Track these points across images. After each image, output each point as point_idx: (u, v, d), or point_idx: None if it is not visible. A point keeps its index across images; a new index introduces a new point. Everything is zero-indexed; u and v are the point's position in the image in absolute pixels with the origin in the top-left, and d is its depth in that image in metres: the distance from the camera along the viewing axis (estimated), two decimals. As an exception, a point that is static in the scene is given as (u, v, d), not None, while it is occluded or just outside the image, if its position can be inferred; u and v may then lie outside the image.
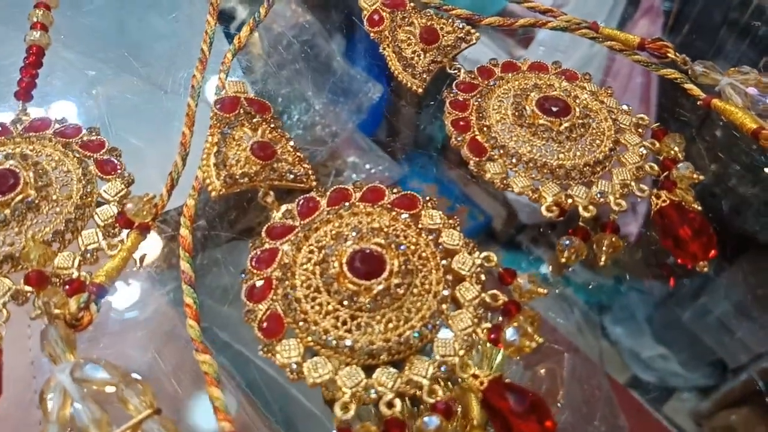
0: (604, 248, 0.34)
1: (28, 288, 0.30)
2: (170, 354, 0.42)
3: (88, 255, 0.32)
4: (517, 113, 0.37)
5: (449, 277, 0.32)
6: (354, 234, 0.32)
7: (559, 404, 0.56)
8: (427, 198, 0.35)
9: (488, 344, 0.31)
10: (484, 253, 0.33)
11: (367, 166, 0.73)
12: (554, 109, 0.36)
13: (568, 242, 0.33)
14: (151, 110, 0.43)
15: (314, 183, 0.35)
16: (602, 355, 0.62)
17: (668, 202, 0.34)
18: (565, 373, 0.58)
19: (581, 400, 0.57)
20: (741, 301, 0.53)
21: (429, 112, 0.50)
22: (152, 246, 0.38)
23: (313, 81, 0.66)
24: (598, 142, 0.36)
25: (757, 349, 0.52)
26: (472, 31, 0.42)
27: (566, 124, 0.36)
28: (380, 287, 0.30)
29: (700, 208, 0.35)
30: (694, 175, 0.36)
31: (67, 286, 0.31)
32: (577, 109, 0.37)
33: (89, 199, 0.34)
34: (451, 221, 0.34)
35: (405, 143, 0.66)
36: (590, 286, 0.57)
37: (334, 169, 0.74)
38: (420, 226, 0.33)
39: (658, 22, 0.70)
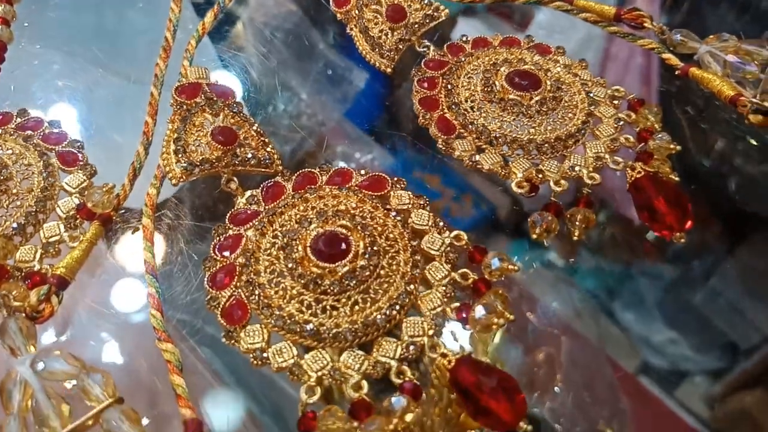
0: (577, 223, 0.33)
1: (-13, 282, 0.30)
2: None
3: (50, 248, 0.32)
4: (486, 89, 0.36)
5: (418, 257, 0.31)
6: (319, 217, 0.31)
7: (557, 388, 0.55)
8: (396, 179, 0.34)
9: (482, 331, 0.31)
10: (454, 232, 0.32)
11: (357, 155, 0.72)
12: (524, 83, 0.35)
13: (539, 218, 0.33)
14: (122, 102, 0.43)
15: (280, 167, 0.35)
16: (602, 338, 0.61)
17: (643, 173, 0.33)
18: (563, 357, 0.57)
19: (581, 384, 0.56)
20: (751, 281, 0.53)
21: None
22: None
23: (298, 70, 0.65)
24: (570, 115, 0.35)
25: None
26: (441, 7, 0.41)
27: (537, 98, 0.35)
28: (345, 269, 0.30)
29: (677, 179, 0.34)
30: (671, 146, 0.35)
31: (28, 280, 0.30)
32: (548, 83, 0.36)
33: (51, 191, 0.33)
34: (420, 201, 0.34)
35: (406, 133, 0.65)
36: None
37: (323, 159, 0.73)
38: (388, 207, 0.33)
39: (655, 1, 0.69)
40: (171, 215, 0.36)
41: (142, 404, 0.31)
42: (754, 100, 0.35)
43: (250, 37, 0.65)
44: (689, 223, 0.32)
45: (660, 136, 0.35)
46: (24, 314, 0.29)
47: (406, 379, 0.28)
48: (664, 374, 0.53)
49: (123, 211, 0.34)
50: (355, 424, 0.27)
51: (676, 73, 0.40)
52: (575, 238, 0.33)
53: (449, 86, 0.37)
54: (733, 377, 0.50)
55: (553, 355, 0.56)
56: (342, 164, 0.66)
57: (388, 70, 0.39)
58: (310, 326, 0.29)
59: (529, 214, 0.65)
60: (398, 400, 0.27)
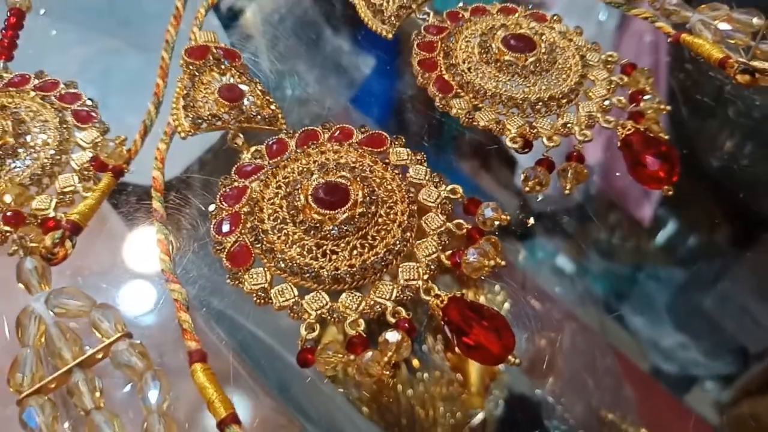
0: (568, 177, 0.34)
1: (6, 228, 0.32)
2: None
3: (65, 197, 0.33)
4: (483, 51, 0.37)
5: (415, 208, 0.33)
6: (320, 169, 0.33)
7: (561, 375, 0.56)
8: (395, 136, 0.36)
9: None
10: (450, 186, 0.34)
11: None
12: (519, 45, 0.36)
13: (532, 173, 0.34)
14: (135, 68, 0.45)
15: (284, 125, 0.36)
16: (603, 325, 0.62)
17: (633, 130, 0.34)
18: (565, 343, 0.58)
19: (583, 370, 0.57)
20: (761, 284, 0.53)
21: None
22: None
23: (306, 56, 0.67)
24: (564, 76, 0.37)
25: None
26: (441, -23, 0.42)
27: (531, 59, 0.36)
28: (344, 216, 0.31)
29: (667, 137, 0.35)
30: (662, 106, 0.36)
31: (43, 225, 0.32)
32: (543, 45, 0.37)
33: (66, 146, 0.35)
34: (418, 157, 0.35)
35: (415, 134, 0.66)
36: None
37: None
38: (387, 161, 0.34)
39: None
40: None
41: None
42: (740, 59, 0.36)
43: (259, 25, 0.67)
44: (676, 177, 0.33)
45: (650, 97, 0.36)
46: (39, 255, 0.31)
47: (402, 317, 0.29)
48: (674, 379, 0.53)
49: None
50: (352, 356, 0.28)
51: (669, 41, 0.41)
52: (566, 192, 0.34)
53: (447, 49, 0.38)
54: (743, 382, 0.50)
55: (555, 341, 0.57)
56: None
57: (389, 36, 0.41)
58: (310, 268, 0.30)
59: (538, 214, 0.66)
60: (393, 335, 0.29)
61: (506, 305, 0.60)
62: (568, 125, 0.35)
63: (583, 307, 0.61)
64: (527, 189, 0.34)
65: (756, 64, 0.36)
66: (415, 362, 0.58)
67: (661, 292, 0.59)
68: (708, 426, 0.48)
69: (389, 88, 0.66)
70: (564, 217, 0.62)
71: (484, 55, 0.37)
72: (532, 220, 0.48)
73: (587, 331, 0.58)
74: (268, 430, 0.39)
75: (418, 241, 0.32)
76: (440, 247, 0.31)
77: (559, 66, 0.37)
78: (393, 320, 0.29)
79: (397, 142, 0.35)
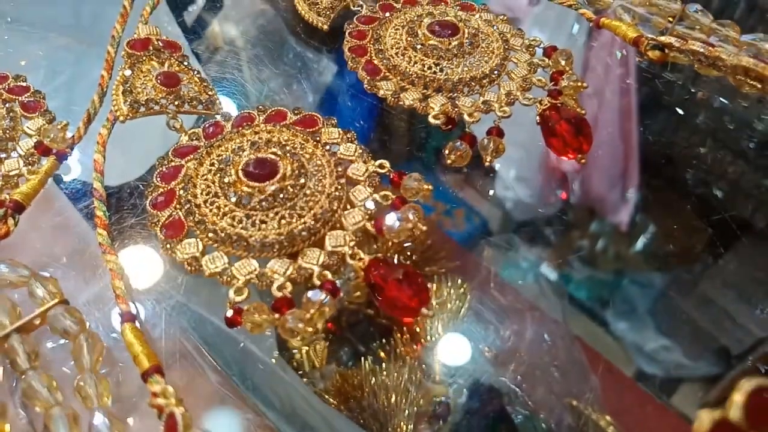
0: (489, 150, 0.36)
1: (-50, 209, 0.33)
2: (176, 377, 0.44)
3: (10, 180, 0.35)
4: (410, 37, 0.40)
5: (343, 180, 0.35)
6: (251, 147, 0.35)
7: (524, 363, 0.57)
8: (327, 117, 0.38)
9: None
10: (378, 161, 0.36)
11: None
12: (444, 31, 0.39)
13: (454, 146, 0.36)
14: (83, 65, 0.47)
15: (222, 109, 0.38)
16: (566, 314, 0.64)
17: (549, 105, 0.37)
18: (528, 333, 0.60)
19: (548, 361, 0.58)
20: (740, 286, 0.54)
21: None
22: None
23: (270, 64, 0.69)
24: (486, 59, 0.39)
25: (759, 333, 0.53)
26: (374, -29, 0.45)
27: (455, 43, 0.39)
28: (273, 188, 0.33)
29: (584, 111, 0.37)
30: (579, 83, 0.38)
31: (-13, 205, 0.33)
32: (467, 30, 0.39)
33: (12, 134, 0.37)
34: (348, 136, 0.37)
35: (398, 149, 0.68)
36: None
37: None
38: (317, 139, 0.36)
39: None
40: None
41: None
42: (650, 36, 0.38)
43: (224, 35, 0.69)
44: (588, 146, 0.35)
45: (569, 76, 0.39)
46: (-19, 232, 0.32)
47: (326, 279, 0.31)
48: (658, 382, 0.55)
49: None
50: (277, 316, 0.30)
51: (590, 25, 0.43)
52: (486, 164, 0.36)
53: (377, 36, 0.40)
54: (726, 382, 0.52)
55: (519, 331, 0.59)
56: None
57: (325, 27, 0.43)
58: (239, 237, 0.32)
59: (519, 226, 0.67)
60: (315, 293, 0.30)
61: (469, 297, 0.62)
62: (489, 102, 0.37)
63: (546, 298, 0.63)
64: (450, 162, 0.36)
65: (663, 39, 0.38)
66: (382, 354, 0.59)
67: (642, 296, 0.60)
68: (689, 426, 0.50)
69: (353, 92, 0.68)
70: (544, 225, 0.64)
71: (411, 41, 0.39)
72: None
73: (551, 321, 0.60)
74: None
75: (345, 212, 0.33)
76: (366, 216, 0.33)
77: (482, 49, 0.39)
78: (318, 282, 0.31)
79: (329, 122, 0.37)
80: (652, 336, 0.60)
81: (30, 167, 0.36)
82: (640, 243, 0.60)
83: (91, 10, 0.62)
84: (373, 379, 0.57)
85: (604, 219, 0.64)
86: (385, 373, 0.57)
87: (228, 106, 0.55)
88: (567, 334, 0.60)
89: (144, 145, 0.47)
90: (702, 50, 0.36)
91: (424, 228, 0.33)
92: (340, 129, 0.37)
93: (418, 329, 0.60)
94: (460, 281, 0.62)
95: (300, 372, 0.57)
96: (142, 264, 0.41)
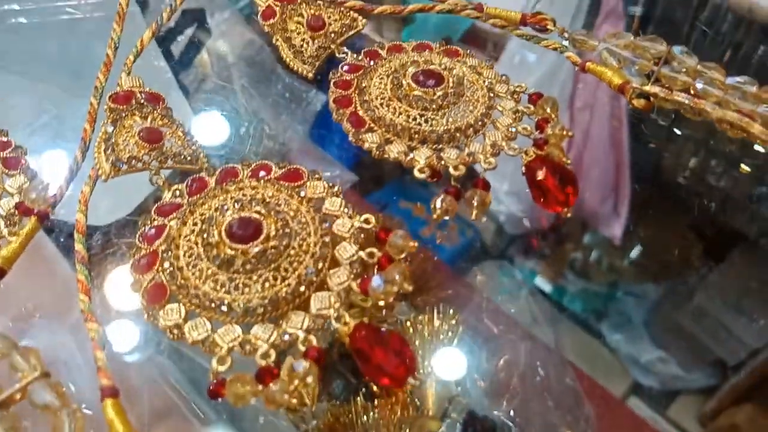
0: (474, 203, 0.36)
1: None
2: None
3: (-10, 242, 0.35)
4: (394, 87, 0.39)
5: (327, 239, 0.34)
6: (235, 205, 0.34)
7: (517, 395, 0.57)
8: (312, 171, 0.38)
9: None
10: (364, 216, 0.35)
11: (320, 173, 0.76)
12: (428, 81, 0.39)
13: (440, 200, 0.36)
14: (67, 115, 0.46)
15: (205, 164, 0.38)
16: (558, 343, 0.63)
17: (534, 156, 0.36)
18: (521, 362, 0.59)
19: (542, 390, 0.58)
20: (735, 297, 0.54)
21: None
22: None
23: (258, 95, 0.69)
24: (471, 108, 0.39)
25: (754, 344, 0.53)
26: (359, 18, 0.44)
27: (440, 93, 0.38)
28: (256, 249, 0.32)
29: (569, 161, 0.37)
30: (564, 132, 0.38)
31: (-34, 271, 0.33)
32: (451, 80, 0.39)
33: (-7, 193, 0.36)
34: (334, 190, 0.37)
35: (390, 165, 0.68)
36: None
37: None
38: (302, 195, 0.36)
39: (619, 24, 0.73)
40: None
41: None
42: (636, 85, 0.38)
43: (213, 65, 0.69)
44: (573, 199, 0.35)
45: (554, 124, 0.38)
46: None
47: (311, 345, 0.31)
48: (655, 394, 0.55)
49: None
50: (260, 387, 0.29)
51: (576, 69, 0.43)
52: (473, 218, 0.36)
53: (362, 86, 0.40)
54: (722, 394, 0.51)
55: (513, 361, 0.59)
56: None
57: (310, 75, 0.43)
58: (222, 303, 0.31)
59: (514, 239, 0.67)
60: (299, 364, 0.30)
61: (461, 328, 0.61)
62: (473, 154, 0.37)
63: (538, 325, 0.63)
64: (435, 216, 0.36)
65: (648, 88, 0.38)
66: (374, 388, 0.59)
67: (637, 308, 0.60)
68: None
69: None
70: (539, 238, 0.64)
71: (396, 91, 0.39)
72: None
73: (543, 349, 0.60)
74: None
75: (330, 271, 0.33)
76: (352, 276, 0.33)
77: (467, 98, 0.39)
78: (303, 349, 0.31)
79: (314, 176, 0.37)
80: (648, 348, 0.60)
81: (11, 228, 0.35)
82: (634, 255, 0.60)
83: (78, 44, 0.62)
84: (365, 416, 0.57)
85: (597, 231, 0.64)
86: (377, 410, 0.57)
87: (216, 136, 0.55)
88: (560, 361, 0.60)
89: (132, 182, 0.47)
90: (687, 101, 0.36)
91: (410, 288, 0.33)
92: (325, 183, 0.37)
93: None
94: (452, 311, 0.62)
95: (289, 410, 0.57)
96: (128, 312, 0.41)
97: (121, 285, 0.38)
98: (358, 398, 0.57)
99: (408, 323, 0.57)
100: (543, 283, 0.64)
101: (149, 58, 0.54)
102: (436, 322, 0.62)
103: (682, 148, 0.54)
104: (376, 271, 0.33)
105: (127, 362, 0.44)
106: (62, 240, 0.42)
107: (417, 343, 0.56)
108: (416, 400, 0.58)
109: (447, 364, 0.58)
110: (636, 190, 0.60)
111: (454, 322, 0.62)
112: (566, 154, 0.38)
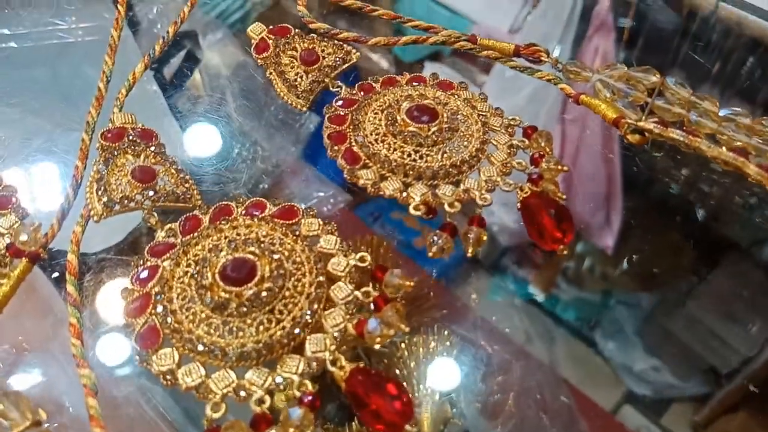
0: (470, 240, 0.36)
1: None
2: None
3: (-20, 285, 0.34)
4: (389, 123, 0.39)
5: (322, 279, 0.34)
6: (229, 245, 0.34)
7: (513, 416, 0.57)
8: (306, 207, 0.37)
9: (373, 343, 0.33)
10: (359, 254, 0.35)
11: (315, 193, 0.76)
12: (422, 116, 0.38)
13: (436, 239, 0.35)
14: (58, 150, 0.46)
15: (199, 202, 0.37)
16: (553, 360, 0.63)
17: (530, 193, 0.36)
18: (517, 383, 0.59)
19: (538, 409, 0.57)
20: (727, 305, 0.54)
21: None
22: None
23: (251, 116, 0.69)
24: (465, 143, 0.39)
25: (746, 352, 0.52)
26: (353, 51, 0.44)
27: (434, 129, 0.38)
28: (250, 292, 0.32)
29: (564, 197, 0.37)
30: (559, 167, 0.38)
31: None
32: (445, 115, 0.39)
33: (-16, 233, 0.36)
34: (328, 227, 0.36)
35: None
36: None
37: (282, 200, 0.77)
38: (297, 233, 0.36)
39: (610, 37, 0.73)
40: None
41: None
42: (630, 121, 0.38)
43: (206, 87, 0.69)
44: (569, 236, 0.35)
45: (549, 159, 0.38)
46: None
47: (306, 391, 0.30)
48: (649, 403, 0.54)
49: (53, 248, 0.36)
50: (255, 435, 0.29)
51: (570, 101, 0.43)
52: (468, 254, 0.35)
53: (357, 122, 0.40)
54: (716, 402, 0.51)
55: (508, 381, 0.58)
56: (301, 205, 0.68)
57: (304, 109, 0.43)
58: (216, 346, 0.31)
59: (508, 249, 0.67)
60: (294, 411, 0.29)
61: (456, 349, 0.61)
62: (469, 191, 0.37)
63: (532, 343, 0.62)
64: (431, 254, 0.35)
65: (642, 124, 0.38)
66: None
67: (630, 317, 0.60)
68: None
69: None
70: (530, 248, 0.64)
71: (390, 127, 0.39)
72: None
73: (537, 368, 0.59)
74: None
75: (326, 312, 0.33)
76: (348, 317, 0.33)
77: (461, 134, 0.39)
78: (298, 394, 0.30)
79: (309, 213, 0.37)
80: (641, 356, 0.60)
81: (1, 269, 0.35)
82: (626, 264, 0.60)
83: (69, 69, 0.61)
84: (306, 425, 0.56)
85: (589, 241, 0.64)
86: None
87: (210, 159, 0.55)
88: (554, 379, 0.60)
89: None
90: (682, 138, 0.36)
91: (407, 329, 0.33)
92: (320, 220, 0.36)
93: (405, 384, 0.59)
94: (446, 332, 0.62)
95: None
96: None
97: (113, 299, 0.38)
98: (353, 422, 0.56)
99: (402, 345, 0.56)
100: (536, 293, 0.64)
101: (142, 83, 0.54)
102: (431, 344, 0.62)
103: (674, 157, 0.54)
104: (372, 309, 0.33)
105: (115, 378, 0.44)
106: (55, 275, 0.42)
107: (412, 365, 0.56)
108: (412, 423, 0.57)
109: (442, 386, 0.57)
110: (628, 200, 0.61)
111: (448, 343, 0.62)
112: (560, 191, 0.38)
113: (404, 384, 0.31)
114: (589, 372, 0.57)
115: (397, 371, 0.54)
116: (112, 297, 0.36)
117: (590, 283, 0.62)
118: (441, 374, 0.58)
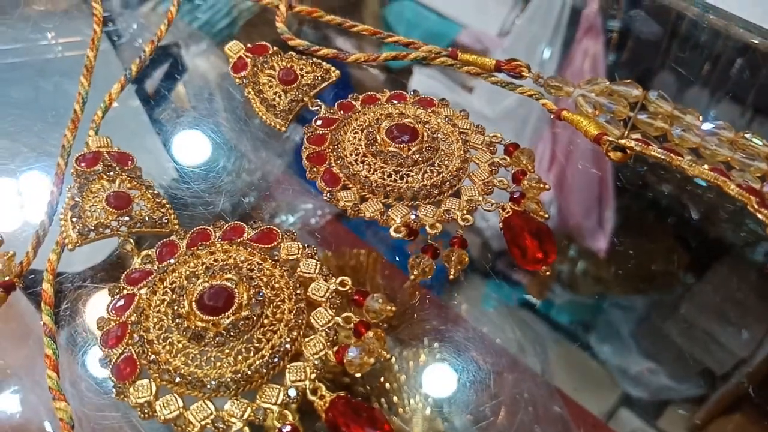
0: (452, 263, 0.35)
1: None
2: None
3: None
4: (368, 143, 0.39)
5: (303, 305, 0.33)
6: (206, 272, 0.33)
7: (503, 425, 0.56)
8: (286, 230, 0.37)
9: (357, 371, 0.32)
10: (339, 278, 0.35)
11: (302, 206, 0.75)
12: (402, 136, 0.38)
13: (417, 261, 0.35)
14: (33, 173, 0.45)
15: (176, 227, 0.37)
16: (545, 372, 0.63)
17: (511, 212, 0.36)
18: (509, 395, 0.59)
19: (530, 421, 0.57)
20: (721, 307, 0.54)
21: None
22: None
23: (236, 129, 0.68)
24: (446, 162, 0.38)
25: (741, 353, 0.52)
26: (332, 69, 0.44)
27: (414, 149, 0.38)
28: (227, 321, 0.32)
29: (547, 215, 0.37)
30: (541, 185, 0.38)
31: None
32: (426, 134, 0.39)
33: (-44, 262, 0.35)
34: (308, 251, 0.36)
35: None
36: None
37: (268, 213, 0.76)
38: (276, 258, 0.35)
39: (599, 39, 0.73)
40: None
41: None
42: (611, 139, 0.38)
43: (190, 99, 0.68)
44: (552, 257, 0.35)
45: (530, 177, 0.38)
46: None
47: (287, 422, 0.30)
48: (645, 405, 0.54)
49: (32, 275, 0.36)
50: (237, 469, 0.28)
51: (552, 117, 0.43)
52: (451, 277, 0.35)
53: (336, 142, 0.39)
54: (712, 404, 0.51)
55: (500, 394, 0.58)
56: (290, 218, 0.68)
57: (283, 129, 0.42)
58: (194, 378, 0.30)
59: (501, 254, 0.67)
60: (274, 443, 0.29)
61: (448, 362, 0.60)
62: (450, 212, 0.36)
63: (525, 354, 0.62)
64: (413, 277, 0.35)
65: (624, 142, 0.38)
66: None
67: (625, 320, 0.60)
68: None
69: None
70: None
71: (370, 147, 0.39)
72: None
73: (530, 378, 0.59)
74: None
75: (306, 339, 0.32)
76: (328, 344, 0.32)
77: (442, 152, 0.39)
78: (278, 425, 0.30)
79: (288, 236, 0.36)
80: (636, 359, 0.60)
81: (-25, 300, 0.34)
82: (620, 267, 0.60)
83: (49, 86, 0.61)
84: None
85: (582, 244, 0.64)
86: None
87: (195, 171, 0.54)
88: (547, 390, 0.60)
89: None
90: (663, 156, 0.36)
91: (388, 355, 0.32)
92: (299, 243, 0.36)
93: (395, 399, 0.59)
94: (437, 344, 0.61)
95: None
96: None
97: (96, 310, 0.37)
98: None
99: (393, 358, 0.56)
100: (530, 297, 0.64)
101: (123, 98, 0.54)
102: (422, 357, 0.61)
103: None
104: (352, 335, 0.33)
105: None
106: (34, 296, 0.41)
107: (402, 378, 0.56)
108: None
109: (433, 399, 0.57)
110: (620, 202, 0.61)
111: (439, 355, 0.62)
112: (543, 209, 0.37)
113: (389, 408, 0.31)
114: (585, 375, 0.57)
115: (388, 384, 0.53)
116: (89, 324, 0.36)
117: (584, 287, 0.62)
118: (432, 387, 0.58)
